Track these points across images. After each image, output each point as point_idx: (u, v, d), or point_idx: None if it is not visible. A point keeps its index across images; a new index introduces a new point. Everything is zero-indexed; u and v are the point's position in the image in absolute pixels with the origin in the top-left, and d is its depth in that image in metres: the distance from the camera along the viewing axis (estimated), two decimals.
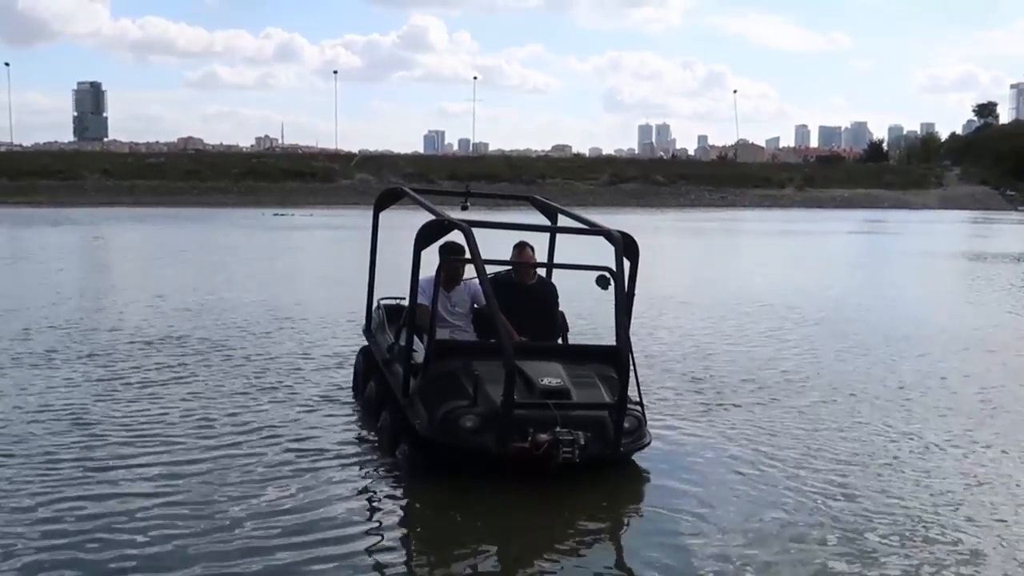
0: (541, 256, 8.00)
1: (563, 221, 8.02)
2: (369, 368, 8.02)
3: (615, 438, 6.04)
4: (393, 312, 8.09)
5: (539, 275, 7.74)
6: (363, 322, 8.64)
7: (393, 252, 9.05)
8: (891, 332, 12.66)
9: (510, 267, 7.48)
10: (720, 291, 17.21)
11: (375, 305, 8.43)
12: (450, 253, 7.00)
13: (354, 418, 7.78)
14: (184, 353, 10.25)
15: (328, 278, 19.38)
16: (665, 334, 12.04)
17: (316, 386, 8.86)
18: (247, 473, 6.26)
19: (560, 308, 7.83)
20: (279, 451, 6.78)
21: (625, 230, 6.75)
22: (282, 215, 43.31)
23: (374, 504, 5.89)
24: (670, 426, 7.58)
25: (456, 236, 6.68)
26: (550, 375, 6.14)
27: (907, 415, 8.19)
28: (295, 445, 6.91)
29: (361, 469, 6.48)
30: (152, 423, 7.47)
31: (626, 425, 6.13)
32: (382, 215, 8.49)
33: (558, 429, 5.74)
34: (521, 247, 7.49)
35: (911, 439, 7.45)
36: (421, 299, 6.77)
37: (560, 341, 7.68)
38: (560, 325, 7.76)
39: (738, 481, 6.34)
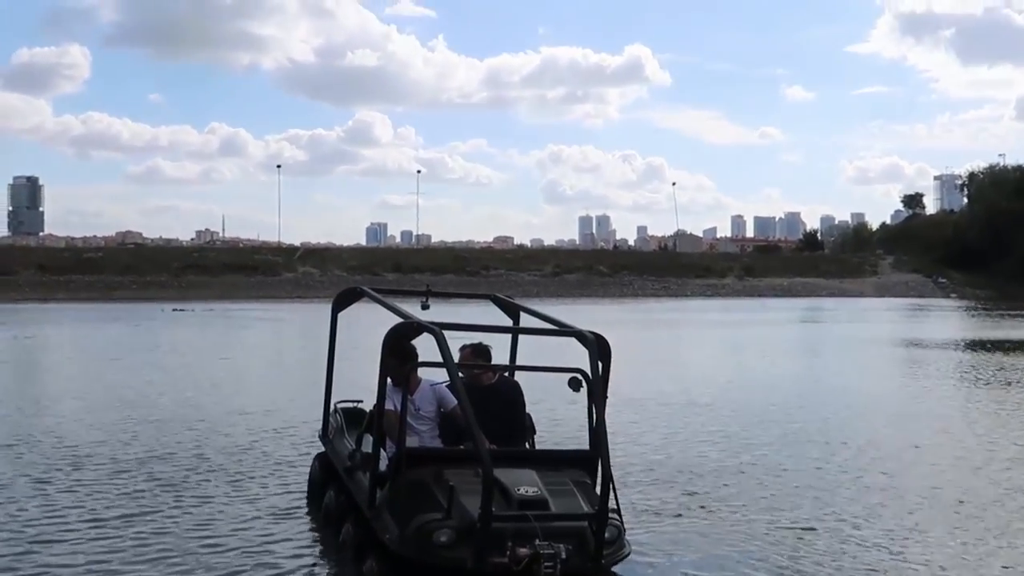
0: (498, 357, 7.68)
1: (525, 318, 7.85)
2: (327, 476, 7.62)
3: (596, 550, 5.74)
4: (352, 416, 7.77)
5: (500, 375, 7.47)
6: (319, 428, 8.25)
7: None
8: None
9: (467, 369, 7.13)
10: (711, 388, 17.15)
11: (332, 409, 8.08)
12: (406, 357, 6.68)
13: (310, 531, 7.40)
14: (116, 467, 9.54)
15: (255, 378, 18.93)
16: (650, 437, 11.61)
17: (266, 497, 8.39)
18: (203, 570, 6.01)
19: (527, 410, 7.56)
20: (229, 569, 6.38)
21: (591, 326, 6.63)
22: (182, 310, 42.51)
23: None
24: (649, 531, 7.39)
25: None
26: (526, 484, 5.83)
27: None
28: (246, 561, 6.51)
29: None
30: (77, 535, 7.07)
31: (606, 535, 5.82)
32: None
33: (538, 542, 5.41)
34: (462, 349, 7.25)
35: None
36: (388, 404, 6.45)
37: (527, 445, 7.36)
38: (528, 427, 7.44)
39: None
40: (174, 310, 42.57)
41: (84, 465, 9.48)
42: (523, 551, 5.40)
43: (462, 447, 6.44)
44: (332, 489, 7.36)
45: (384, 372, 6.35)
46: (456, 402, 6.63)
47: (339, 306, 8.11)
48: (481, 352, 7.35)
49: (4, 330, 32.05)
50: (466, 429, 6.88)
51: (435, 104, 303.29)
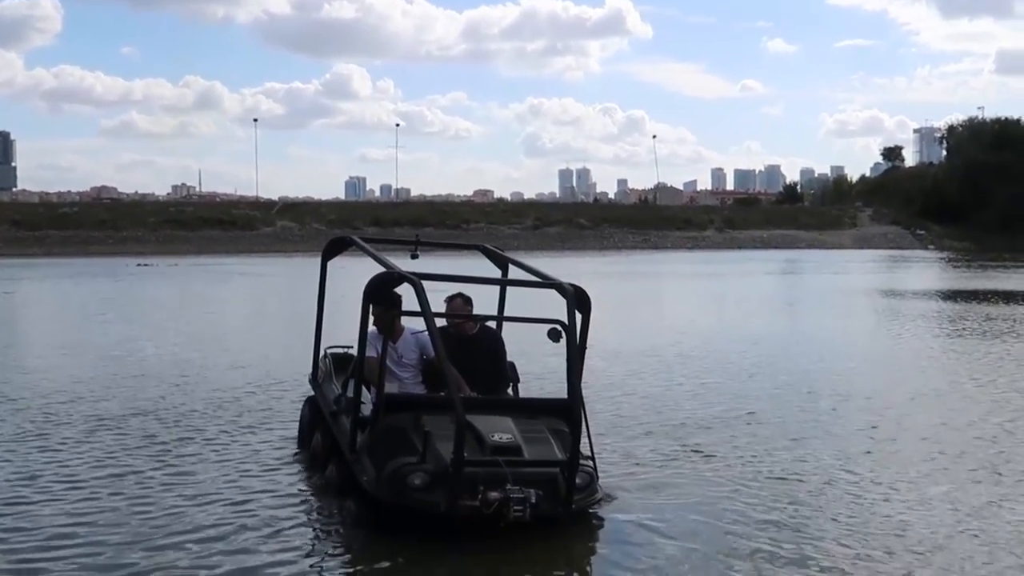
0: (484, 306, 7.89)
1: (513, 271, 7.89)
2: (315, 420, 7.75)
3: (566, 495, 5.91)
4: (340, 362, 7.86)
5: (482, 325, 7.57)
6: (309, 371, 8.38)
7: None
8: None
9: (449, 320, 7.33)
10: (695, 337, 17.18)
11: (322, 354, 8.17)
12: (389, 305, 6.74)
13: (298, 472, 7.49)
14: (98, 423, 9.57)
15: (241, 332, 18.86)
16: (641, 388, 11.65)
17: (257, 438, 8.57)
18: (183, 533, 5.96)
19: (510, 359, 7.70)
20: (218, 507, 6.47)
21: (576, 278, 6.68)
22: (145, 265, 42.16)
23: (317, 563, 5.62)
24: (626, 476, 7.44)
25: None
26: (501, 431, 5.99)
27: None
28: (236, 499, 6.65)
29: (306, 526, 6.21)
30: (80, 480, 7.12)
31: (577, 481, 5.99)
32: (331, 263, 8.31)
33: (509, 487, 5.60)
34: (451, 299, 7.42)
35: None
36: (370, 351, 6.56)
37: (511, 392, 7.53)
38: (508, 376, 7.61)
39: (697, 529, 6.26)
40: (138, 265, 42.30)
41: (65, 421, 9.36)
42: (494, 495, 5.57)
43: (442, 394, 6.53)
44: (319, 431, 7.51)
45: (365, 320, 6.43)
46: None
47: (328, 255, 8.22)
48: (464, 301, 7.47)
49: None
50: (428, 375, 7.13)
51: (414, 57, 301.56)
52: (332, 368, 7.90)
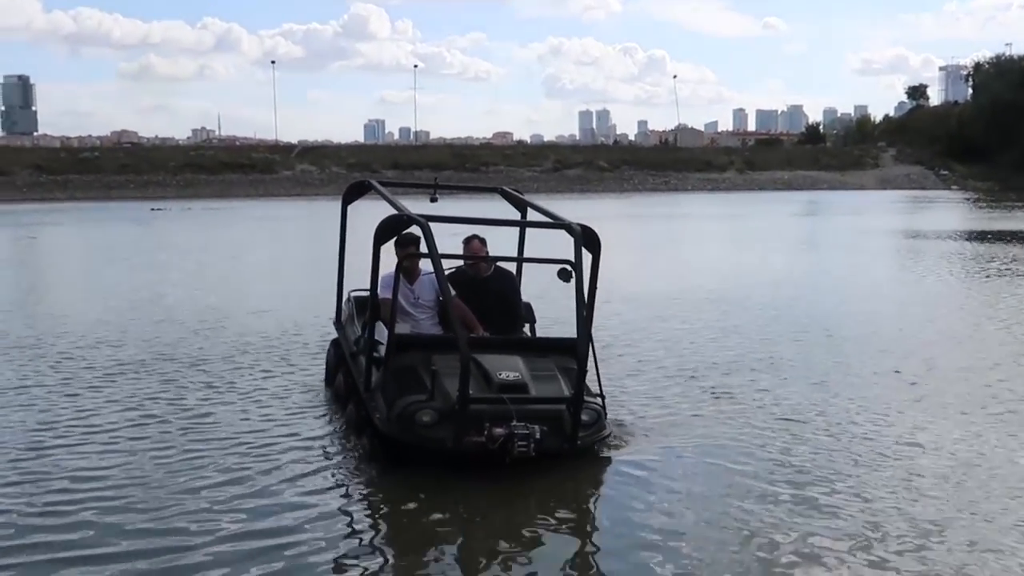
0: (502, 248, 8.03)
1: (530, 213, 7.95)
2: (338, 361, 8.00)
3: (572, 431, 6.05)
4: (363, 304, 8.03)
5: (496, 266, 7.72)
6: (334, 315, 8.61)
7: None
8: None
9: (466, 261, 7.50)
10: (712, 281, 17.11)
11: (345, 297, 8.34)
12: (404, 245, 6.94)
13: (321, 414, 7.66)
14: (120, 368, 9.70)
15: (268, 275, 18.96)
16: (662, 331, 11.61)
17: (278, 382, 8.76)
18: (204, 477, 6.09)
19: (527, 300, 7.88)
20: (239, 450, 6.61)
21: (595, 221, 6.69)
22: (159, 209, 42.54)
23: (339, 503, 5.74)
24: (643, 417, 7.53)
25: (412, 228, 6.65)
26: (508, 369, 6.17)
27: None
28: (257, 442, 6.78)
29: (328, 467, 6.33)
30: (101, 425, 7.25)
31: (584, 418, 6.15)
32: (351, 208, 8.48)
33: (514, 423, 5.75)
34: (469, 240, 7.55)
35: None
36: (383, 293, 6.74)
37: (528, 332, 7.74)
38: (523, 316, 7.80)
39: (708, 469, 6.31)
40: (152, 209, 42.67)
41: (86, 366, 9.47)
42: (499, 431, 5.75)
43: (452, 334, 6.64)
44: (342, 372, 7.72)
45: (376, 262, 6.60)
46: (454, 292, 6.94)
47: (348, 199, 8.39)
48: (481, 243, 7.58)
49: (6, 231, 32.03)
50: (445, 316, 7.22)
51: None
52: (355, 310, 8.05)
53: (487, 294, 7.36)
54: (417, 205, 6.86)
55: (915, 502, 5.75)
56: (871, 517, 5.49)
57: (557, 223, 6.90)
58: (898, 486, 6.02)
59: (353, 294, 8.28)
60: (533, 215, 7.65)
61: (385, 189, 7.48)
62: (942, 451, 6.77)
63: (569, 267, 6.48)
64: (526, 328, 7.94)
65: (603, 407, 6.49)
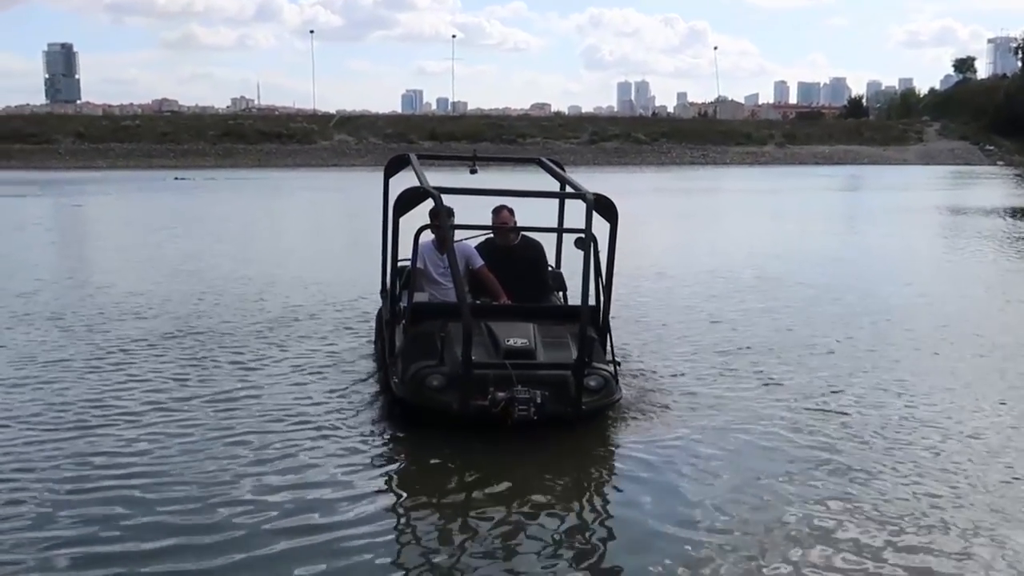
0: (534, 219, 8.27)
1: (550, 184, 8.19)
2: (379, 328, 8.39)
3: (576, 397, 6.16)
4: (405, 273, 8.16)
5: (523, 236, 7.91)
6: (380, 284, 8.79)
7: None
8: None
9: (494, 231, 7.78)
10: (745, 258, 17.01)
11: (390, 267, 8.50)
12: (432, 216, 7.15)
13: (358, 380, 7.81)
14: (164, 335, 9.93)
15: (313, 246, 19.08)
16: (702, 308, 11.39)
17: (320, 352, 8.92)
18: (243, 447, 6.20)
19: (559, 270, 8.16)
20: (276, 424, 6.67)
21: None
22: (183, 179, 43.39)
23: (362, 467, 5.88)
24: (669, 393, 7.52)
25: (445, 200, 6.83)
26: (517, 336, 6.39)
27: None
28: (294, 411, 6.93)
29: (356, 435, 6.44)
30: (156, 391, 7.44)
31: (592, 384, 6.27)
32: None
33: (516, 388, 5.92)
34: (498, 210, 7.75)
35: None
36: (420, 262, 7.22)
37: (560, 301, 8.02)
38: (551, 284, 8.07)
39: (725, 453, 6.21)
40: (175, 179, 43.27)
41: (137, 337, 9.50)
42: (501, 395, 5.94)
43: (479, 302, 7.08)
44: (380, 339, 8.05)
45: (395, 230, 7.07)
46: (481, 262, 7.43)
47: (389, 172, 8.60)
48: (510, 212, 7.79)
49: (49, 198, 32.52)
50: (474, 284, 7.50)
51: None
52: (398, 280, 8.19)
53: (514, 263, 7.63)
54: (457, 176, 6.91)
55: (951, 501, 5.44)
56: (907, 506, 5.32)
57: (571, 193, 7.08)
58: (940, 481, 5.73)
59: (399, 264, 8.44)
60: (549, 185, 7.89)
61: (425, 161, 7.66)
62: (983, 438, 6.48)
63: (585, 236, 6.60)
64: (559, 296, 8.16)
65: (615, 374, 6.54)
